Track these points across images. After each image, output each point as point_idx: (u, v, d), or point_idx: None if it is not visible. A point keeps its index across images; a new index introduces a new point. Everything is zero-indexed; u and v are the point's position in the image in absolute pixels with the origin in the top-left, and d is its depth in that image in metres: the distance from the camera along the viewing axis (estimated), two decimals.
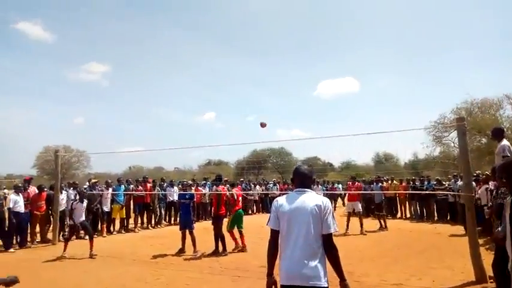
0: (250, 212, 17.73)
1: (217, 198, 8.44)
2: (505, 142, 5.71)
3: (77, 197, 9.16)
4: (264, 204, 18.56)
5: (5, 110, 61.25)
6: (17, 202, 9.37)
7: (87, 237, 8.30)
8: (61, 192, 10.61)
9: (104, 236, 11.27)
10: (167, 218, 14.18)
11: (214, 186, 9.00)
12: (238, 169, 38.80)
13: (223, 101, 73.64)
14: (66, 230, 10.87)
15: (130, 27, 67.80)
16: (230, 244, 8.34)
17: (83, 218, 8.43)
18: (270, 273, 2.68)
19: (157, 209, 13.62)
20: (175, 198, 13.52)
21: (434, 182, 14.53)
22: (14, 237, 9.62)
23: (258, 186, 19.01)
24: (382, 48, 62.76)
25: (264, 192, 18.25)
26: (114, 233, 11.98)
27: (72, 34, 64.69)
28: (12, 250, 9.05)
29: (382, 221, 11.65)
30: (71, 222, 8.60)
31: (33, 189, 10.55)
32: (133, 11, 67.04)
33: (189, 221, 8.53)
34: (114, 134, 66.08)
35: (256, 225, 10.89)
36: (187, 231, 8.43)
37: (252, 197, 17.88)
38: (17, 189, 9.72)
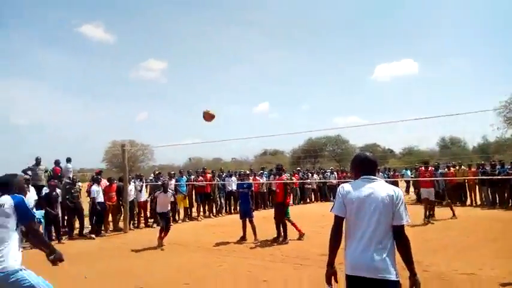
0: (308, 200, 17.65)
1: (283, 188, 8.47)
2: None
3: (144, 188, 9.59)
4: (322, 193, 18.35)
5: (75, 112, 66.66)
6: (98, 193, 10.29)
7: (155, 225, 8.72)
8: (129, 184, 11.32)
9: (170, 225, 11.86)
10: (227, 208, 14.59)
11: (277, 176, 9.03)
12: (294, 158, 38.72)
13: (276, 91, 73.69)
14: (136, 219, 11.66)
15: (185, 25, 70.09)
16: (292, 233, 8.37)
17: (168, 208, 8.66)
18: (330, 263, 2.54)
19: (218, 199, 14.07)
20: (234, 188, 13.86)
21: (509, 167, 13.35)
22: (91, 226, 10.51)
23: (315, 175, 18.81)
24: (443, 28, 58.61)
25: (321, 180, 18.03)
26: (179, 221, 12.58)
27: (131, 34, 68.36)
28: (93, 236, 9.89)
29: (450, 209, 10.96)
30: (160, 210, 8.58)
31: (104, 182, 11.39)
32: (187, 9, 68.96)
33: (249, 210, 8.70)
34: (175, 128, 69.19)
35: (315, 214, 10.81)
36: (247, 220, 8.61)
37: (310, 186, 17.75)
38: (96, 181, 10.60)
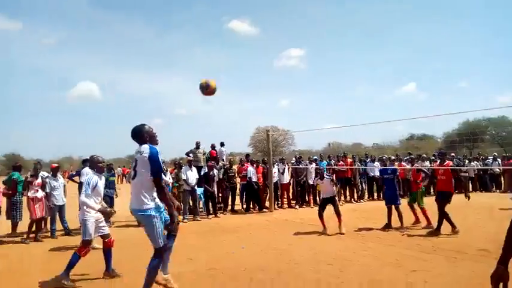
0: (463, 190, 15.62)
1: (450, 175, 7.63)
2: None
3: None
4: (482, 181, 16.01)
5: (226, 101, 73.61)
6: (253, 173, 11.54)
7: (297, 206, 9.01)
8: (273, 167, 12.00)
9: (312, 207, 12.17)
10: (369, 193, 14.10)
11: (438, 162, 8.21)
12: (447, 143, 34.61)
13: (425, 70, 66.68)
14: (279, 199, 12.34)
15: (322, 9, 69.21)
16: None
17: (332, 194, 8.12)
18: (502, 262, 2.07)
19: (359, 184, 13.73)
20: (377, 173, 13.28)
21: None
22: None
23: (474, 162, 16.49)
24: None
25: (482, 168, 15.70)
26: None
27: (273, 25, 71.22)
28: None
29: None
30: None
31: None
32: None
33: (394, 196, 8.24)
34: (314, 113, 69.89)
35: (475, 205, 9.51)
36: (393, 207, 8.17)
37: (467, 174, 15.65)
38: (251, 163, 11.98)
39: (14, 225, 8.18)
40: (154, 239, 3.67)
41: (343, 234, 7.68)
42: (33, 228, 7.80)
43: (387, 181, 8.53)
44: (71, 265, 4.72)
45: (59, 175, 8.63)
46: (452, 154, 17.47)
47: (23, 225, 8.02)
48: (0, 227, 7.94)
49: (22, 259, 6.37)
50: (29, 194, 7.86)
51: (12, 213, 8.04)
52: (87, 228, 4.90)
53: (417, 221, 8.35)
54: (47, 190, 8.17)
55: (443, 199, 7.38)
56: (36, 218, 7.70)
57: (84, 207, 4.93)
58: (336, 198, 8.09)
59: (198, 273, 5.17)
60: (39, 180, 8.02)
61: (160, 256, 3.70)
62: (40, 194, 7.93)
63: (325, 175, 8.28)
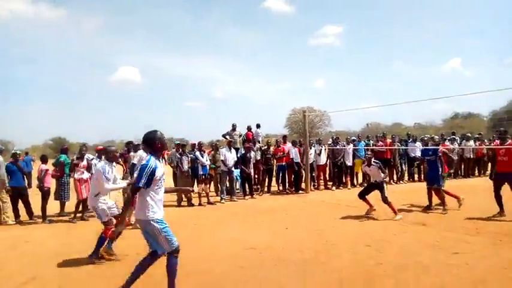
0: None
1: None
2: None
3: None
4: None
5: (262, 82, 73.34)
6: (296, 154, 11.57)
7: (334, 188, 8.80)
8: (310, 148, 11.91)
9: (349, 188, 12.05)
10: (409, 175, 13.72)
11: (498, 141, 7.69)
12: (494, 121, 32.64)
13: (470, 45, 62.59)
14: (316, 181, 12.29)
15: None
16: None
17: (381, 177, 7.75)
18: None
19: (399, 165, 13.37)
20: (418, 154, 12.84)
21: None
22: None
23: None
24: None
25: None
26: (357, 186, 12.61)
27: (308, 2, 69.33)
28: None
29: None
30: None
31: (289, 145, 12.35)
32: None
33: (436, 178, 7.96)
34: (351, 93, 68.08)
35: None
36: (434, 188, 7.93)
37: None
38: (294, 144, 12.08)
39: (62, 205, 8.70)
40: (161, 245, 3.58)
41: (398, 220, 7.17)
42: (80, 208, 8.28)
43: (429, 162, 8.24)
44: (99, 245, 5.07)
45: (103, 157, 9.04)
46: (498, 131, 16.45)
47: (71, 205, 8.52)
48: (50, 206, 8.49)
49: (70, 237, 6.82)
50: (76, 175, 8.30)
51: (60, 193, 8.53)
52: (100, 212, 5.18)
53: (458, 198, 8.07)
54: (93, 171, 8.62)
55: (502, 180, 7.00)
56: (83, 199, 8.08)
57: (98, 196, 5.21)
58: (384, 185, 7.60)
59: (236, 254, 5.33)
60: (84, 162, 8.42)
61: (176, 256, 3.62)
62: (86, 175, 8.34)
63: (372, 161, 7.97)
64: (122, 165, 9.57)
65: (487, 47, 62.83)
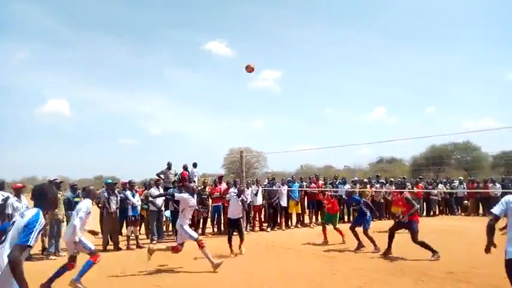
0: (432, 213, 16.08)
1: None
2: None
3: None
4: (449, 204, 16.53)
5: (200, 122, 73.40)
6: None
7: (269, 229, 8.74)
8: (247, 188, 11.91)
9: (283, 230, 12.12)
10: (341, 216, 14.21)
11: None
12: (415, 166, 35.70)
13: (394, 95, 69.22)
14: (251, 222, 12.19)
15: (299, 32, 71.15)
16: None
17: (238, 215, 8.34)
18: None
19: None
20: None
21: None
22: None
23: (440, 185, 17.06)
24: None
25: (449, 191, 16.24)
26: (292, 227, 12.74)
27: (249, 47, 72.34)
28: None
29: None
30: None
31: (224, 185, 12.24)
32: (299, 15, 70.13)
33: (363, 221, 8.40)
34: (287, 135, 70.51)
35: (441, 229, 9.76)
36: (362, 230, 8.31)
37: (436, 197, 16.14)
38: (234, 184, 11.74)
39: None
40: None
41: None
42: None
43: (356, 209, 8.72)
44: (83, 270, 5.45)
45: (22, 196, 8.23)
46: (421, 177, 18.02)
47: None
48: None
49: None
50: None
51: None
52: (86, 243, 5.63)
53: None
54: (9, 211, 7.75)
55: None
56: None
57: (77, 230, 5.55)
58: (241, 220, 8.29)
59: None
60: None
61: None
62: None
63: (241, 194, 8.39)
64: None
65: (409, 97, 69.65)
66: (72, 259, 5.60)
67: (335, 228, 9.23)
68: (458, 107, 61.27)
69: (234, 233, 8.09)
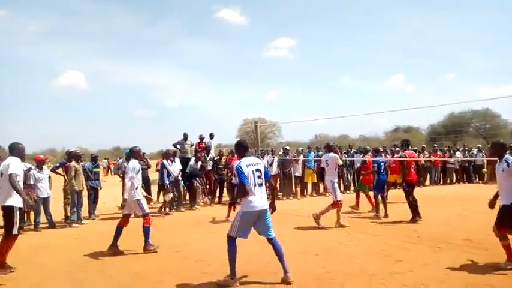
0: (448, 181, 15.94)
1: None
2: None
3: None
4: (467, 173, 16.32)
5: (215, 93, 73.07)
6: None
7: (284, 198, 8.89)
8: (262, 158, 11.94)
9: (298, 199, 12.21)
10: (355, 185, 14.22)
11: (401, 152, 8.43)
12: (432, 134, 35.10)
13: (413, 62, 67.24)
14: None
15: (315, 0, 68.82)
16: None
17: None
18: None
19: (345, 176, 13.82)
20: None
21: None
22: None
23: (458, 153, 16.78)
24: None
25: (466, 159, 15.98)
26: (307, 196, 12.83)
27: (264, 14, 70.50)
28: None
29: None
30: None
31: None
32: None
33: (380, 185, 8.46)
34: (302, 105, 69.93)
35: (458, 197, 9.67)
36: (379, 196, 8.38)
37: (453, 166, 15.93)
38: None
39: None
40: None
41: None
42: None
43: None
44: (147, 235, 5.90)
45: (44, 167, 8.45)
46: (435, 145, 17.71)
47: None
48: None
49: None
50: None
51: None
52: (144, 205, 6.00)
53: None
54: (31, 182, 8.00)
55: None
56: None
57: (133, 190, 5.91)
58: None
59: (186, 265, 5.14)
60: None
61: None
62: None
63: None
64: (63, 175, 9.02)
65: (427, 64, 67.60)
66: (126, 216, 6.01)
67: (366, 196, 9.15)
68: (478, 75, 59.41)
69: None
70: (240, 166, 4.26)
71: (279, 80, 77.09)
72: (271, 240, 4.47)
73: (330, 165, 7.76)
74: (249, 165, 4.31)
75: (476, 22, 61.37)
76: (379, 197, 8.42)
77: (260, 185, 4.32)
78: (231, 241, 4.36)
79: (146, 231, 5.92)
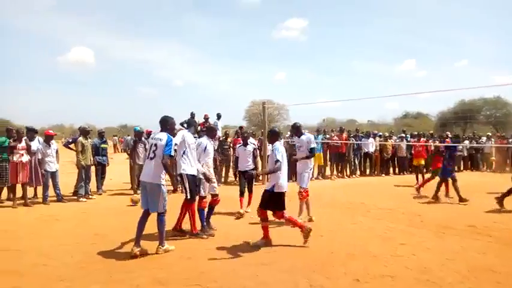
0: (456, 169, 15.83)
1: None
2: None
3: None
4: (474, 161, 16.19)
5: (222, 72, 72.61)
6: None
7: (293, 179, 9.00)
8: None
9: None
10: (361, 169, 14.21)
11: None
12: (442, 121, 34.67)
13: (425, 47, 65.95)
14: None
15: None
16: None
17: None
18: None
19: (352, 160, 13.78)
20: (371, 149, 13.41)
21: None
22: None
23: (466, 141, 16.61)
24: None
25: (475, 145, 15.82)
26: (313, 179, 12.84)
27: None
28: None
29: None
30: None
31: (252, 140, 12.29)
32: None
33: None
34: (310, 87, 69.28)
35: (466, 183, 9.58)
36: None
37: (461, 153, 15.80)
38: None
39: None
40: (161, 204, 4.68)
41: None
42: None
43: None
44: (203, 219, 5.65)
45: (52, 141, 8.54)
46: (447, 132, 17.52)
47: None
48: None
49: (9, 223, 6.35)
50: (14, 158, 7.72)
51: None
52: (215, 185, 5.88)
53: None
54: (39, 156, 8.10)
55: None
56: (18, 183, 7.75)
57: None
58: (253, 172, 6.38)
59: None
60: (22, 144, 7.85)
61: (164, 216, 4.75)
62: (25, 158, 7.85)
63: (249, 142, 7.68)
64: (75, 150, 9.12)
65: (439, 50, 66.35)
66: (215, 196, 5.86)
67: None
68: (491, 62, 58.13)
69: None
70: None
71: (289, 62, 76.39)
72: None
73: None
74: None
75: (491, 8, 59.66)
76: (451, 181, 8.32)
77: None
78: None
79: (201, 216, 5.66)
